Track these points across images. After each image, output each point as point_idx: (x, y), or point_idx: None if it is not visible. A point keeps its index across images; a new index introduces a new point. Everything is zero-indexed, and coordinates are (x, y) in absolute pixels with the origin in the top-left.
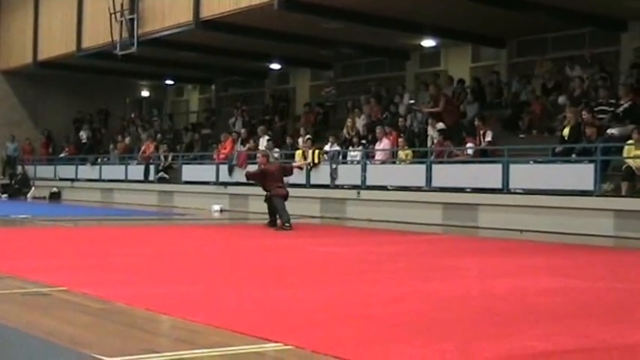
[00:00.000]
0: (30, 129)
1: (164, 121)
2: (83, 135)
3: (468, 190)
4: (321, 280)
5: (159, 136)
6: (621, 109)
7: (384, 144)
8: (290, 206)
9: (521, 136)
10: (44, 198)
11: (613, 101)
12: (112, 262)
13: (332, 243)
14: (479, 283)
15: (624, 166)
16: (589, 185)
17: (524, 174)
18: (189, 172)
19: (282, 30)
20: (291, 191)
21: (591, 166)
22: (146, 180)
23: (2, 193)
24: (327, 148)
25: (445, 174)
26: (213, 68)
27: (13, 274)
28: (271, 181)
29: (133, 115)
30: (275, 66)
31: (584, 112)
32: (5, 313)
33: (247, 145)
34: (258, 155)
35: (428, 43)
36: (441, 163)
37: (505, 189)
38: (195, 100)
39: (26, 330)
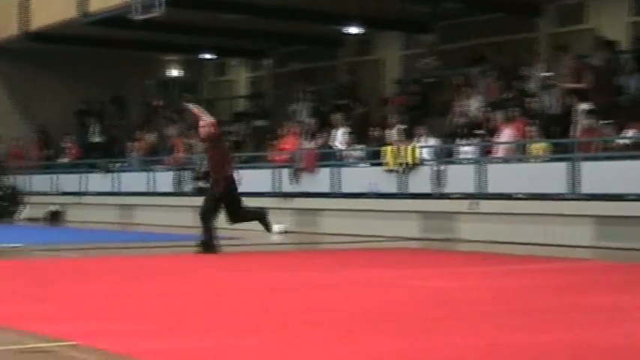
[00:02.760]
0: (18, 125)
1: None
2: (92, 132)
3: (632, 197)
4: (420, 327)
5: (194, 130)
6: None
7: (507, 134)
8: (378, 224)
9: None
10: (41, 219)
11: None
12: (135, 306)
13: (435, 275)
14: None
15: None
16: None
17: None
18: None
19: None
20: (379, 204)
21: None
22: (179, 192)
23: None
24: (420, 144)
25: (598, 175)
26: (267, 36)
27: (4, 323)
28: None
29: (158, 103)
30: (353, 30)
31: None
32: None
33: (317, 141)
34: (202, 124)
35: None
36: (593, 159)
37: None
38: (242, 80)
39: None
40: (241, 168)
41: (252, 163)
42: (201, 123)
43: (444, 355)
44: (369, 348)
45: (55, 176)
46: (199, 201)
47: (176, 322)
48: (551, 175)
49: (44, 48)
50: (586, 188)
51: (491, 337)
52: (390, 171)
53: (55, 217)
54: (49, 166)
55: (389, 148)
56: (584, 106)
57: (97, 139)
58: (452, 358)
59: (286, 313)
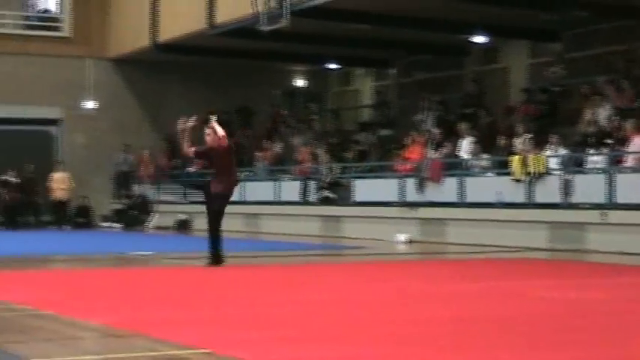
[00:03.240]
0: (148, 134)
1: (326, 119)
2: None
3: None
4: (550, 340)
5: (319, 140)
6: None
7: (638, 144)
8: (505, 234)
9: None
10: (169, 228)
11: None
12: (265, 313)
13: (564, 286)
14: None
15: None
16: None
17: None
18: (364, 188)
19: None
20: (506, 214)
21: None
22: (304, 201)
23: (115, 222)
24: (548, 152)
25: None
26: (392, 45)
27: (138, 330)
28: (218, 167)
29: (283, 112)
30: (479, 39)
31: None
32: None
33: (443, 150)
34: (207, 131)
35: None
36: None
37: None
38: (367, 90)
39: None
40: (366, 177)
41: (377, 172)
42: (221, 134)
43: None
44: None
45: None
46: (325, 210)
47: (308, 331)
48: None
49: (173, 59)
50: None
51: (627, 348)
52: (517, 180)
53: (183, 226)
54: (177, 176)
55: (516, 157)
56: None
57: None
58: None
59: (415, 324)
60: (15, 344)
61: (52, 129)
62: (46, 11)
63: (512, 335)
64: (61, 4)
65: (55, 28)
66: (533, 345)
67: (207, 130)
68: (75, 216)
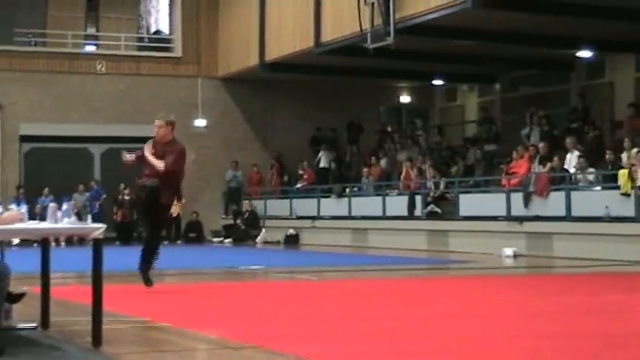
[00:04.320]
0: (256, 151)
1: (431, 134)
2: (322, 158)
3: None
4: None
5: (425, 155)
6: None
7: None
8: (613, 248)
9: None
10: (278, 242)
11: None
12: (376, 327)
13: None
14: None
15: None
16: None
17: None
18: (469, 203)
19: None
20: (614, 228)
21: None
22: (411, 216)
23: (225, 237)
24: None
25: None
26: (496, 60)
27: (251, 342)
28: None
29: (389, 129)
30: (584, 53)
31: None
32: None
33: (549, 165)
34: (158, 123)
35: None
36: None
37: None
38: (472, 106)
39: None
40: (472, 192)
41: (483, 187)
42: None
43: None
44: None
45: (290, 201)
46: (431, 225)
47: (426, 345)
48: None
49: (280, 77)
50: None
51: None
52: (625, 194)
53: (291, 241)
54: (285, 192)
55: (624, 171)
56: None
57: (328, 165)
58: None
59: (535, 338)
60: (133, 355)
61: None
62: (157, 32)
63: (629, 351)
64: (172, 26)
65: (167, 49)
66: None
67: (158, 122)
68: (186, 231)
